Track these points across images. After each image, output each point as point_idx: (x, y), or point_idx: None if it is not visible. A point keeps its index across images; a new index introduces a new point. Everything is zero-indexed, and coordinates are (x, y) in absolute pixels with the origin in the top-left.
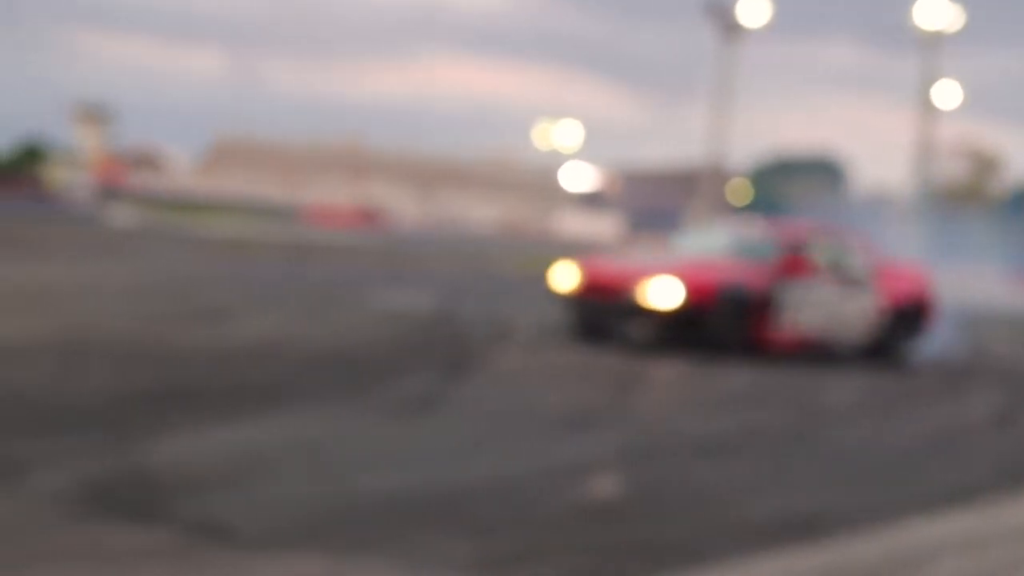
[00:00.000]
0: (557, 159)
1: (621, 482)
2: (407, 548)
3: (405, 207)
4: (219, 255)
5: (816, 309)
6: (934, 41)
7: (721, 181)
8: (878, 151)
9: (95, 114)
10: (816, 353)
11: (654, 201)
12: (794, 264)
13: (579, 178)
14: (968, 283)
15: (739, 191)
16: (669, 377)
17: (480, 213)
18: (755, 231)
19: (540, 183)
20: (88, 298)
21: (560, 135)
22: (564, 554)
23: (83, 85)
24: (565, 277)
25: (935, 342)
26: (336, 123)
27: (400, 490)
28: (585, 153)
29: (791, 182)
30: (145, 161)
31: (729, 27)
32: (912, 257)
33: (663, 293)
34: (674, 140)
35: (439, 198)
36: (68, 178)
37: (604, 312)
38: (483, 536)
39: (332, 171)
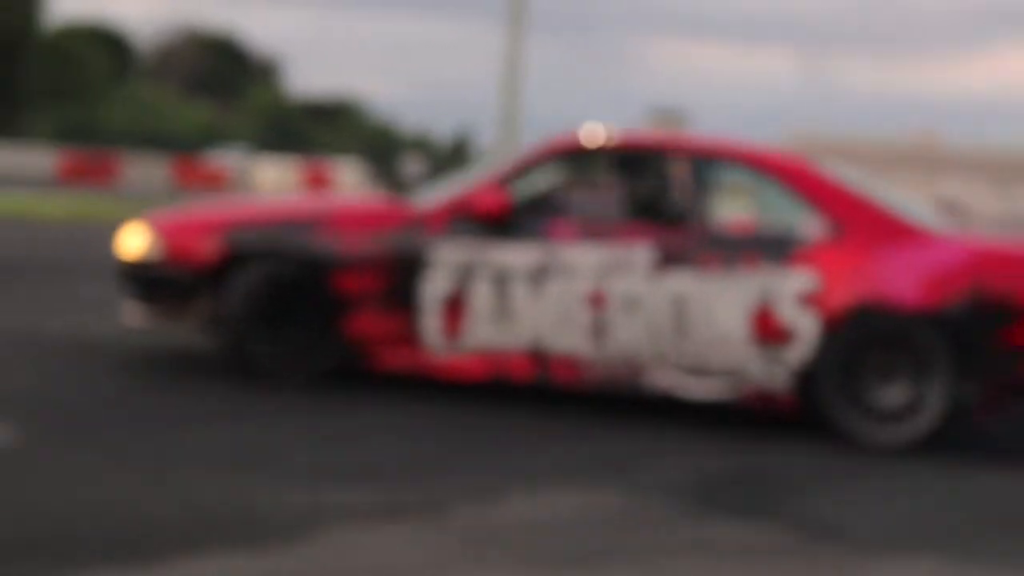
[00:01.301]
0: None
1: None
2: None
3: (984, 203)
4: None
5: (547, 302)
6: None
7: None
8: None
9: (669, 119)
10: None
11: None
12: (484, 201)
13: None
14: None
15: None
16: None
17: None
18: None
19: None
20: None
21: None
22: None
23: (657, 91)
24: None
25: None
26: (906, 118)
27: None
28: None
29: None
30: None
31: None
32: None
33: (130, 240)
34: None
35: (1021, 193)
36: None
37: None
38: None
39: (905, 168)
